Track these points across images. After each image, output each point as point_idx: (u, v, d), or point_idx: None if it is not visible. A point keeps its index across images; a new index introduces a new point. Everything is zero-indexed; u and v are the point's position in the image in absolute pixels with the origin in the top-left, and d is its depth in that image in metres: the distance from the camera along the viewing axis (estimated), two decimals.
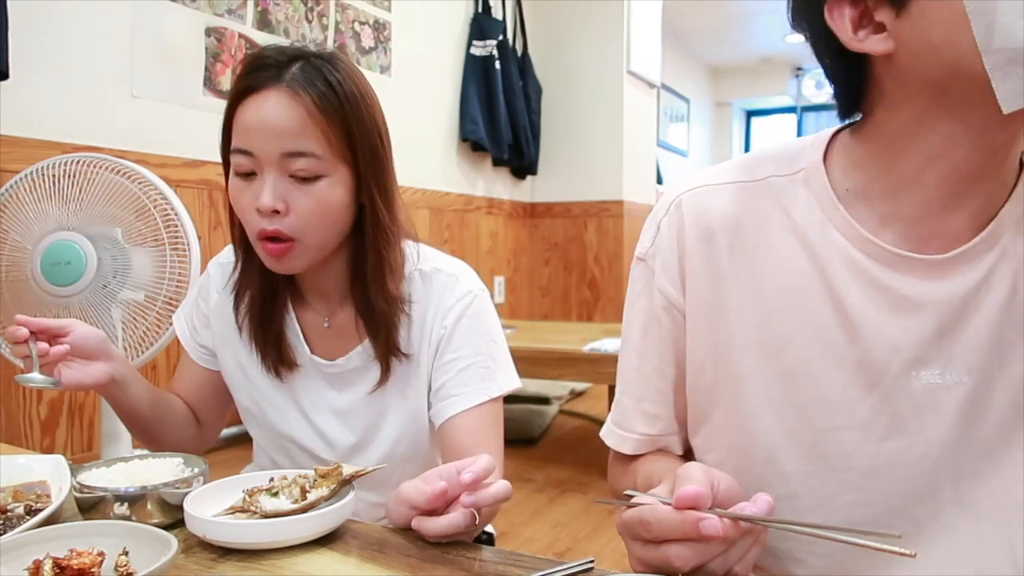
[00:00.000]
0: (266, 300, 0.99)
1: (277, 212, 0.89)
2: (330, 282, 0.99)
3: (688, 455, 0.80)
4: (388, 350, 0.97)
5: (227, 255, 1.06)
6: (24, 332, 0.87)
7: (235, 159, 0.91)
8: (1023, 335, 0.65)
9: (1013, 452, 0.66)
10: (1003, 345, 0.65)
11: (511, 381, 0.99)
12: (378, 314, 0.96)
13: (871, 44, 0.61)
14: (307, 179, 0.89)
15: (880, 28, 0.60)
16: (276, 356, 1.00)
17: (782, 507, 0.70)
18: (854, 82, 0.66)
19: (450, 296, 0.98)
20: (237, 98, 0.92)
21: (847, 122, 0.70)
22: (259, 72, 0.90)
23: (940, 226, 0.65)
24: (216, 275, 1.07)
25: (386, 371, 0.97)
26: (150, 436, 1.03)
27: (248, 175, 0.91)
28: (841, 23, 0.62)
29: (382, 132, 0.95)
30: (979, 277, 0.64)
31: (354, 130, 0.91)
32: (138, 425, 1.01)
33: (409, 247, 1.00)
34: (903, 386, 0.66)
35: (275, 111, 0.88)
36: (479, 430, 0.95)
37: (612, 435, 0.81)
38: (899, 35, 0.60)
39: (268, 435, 1.04)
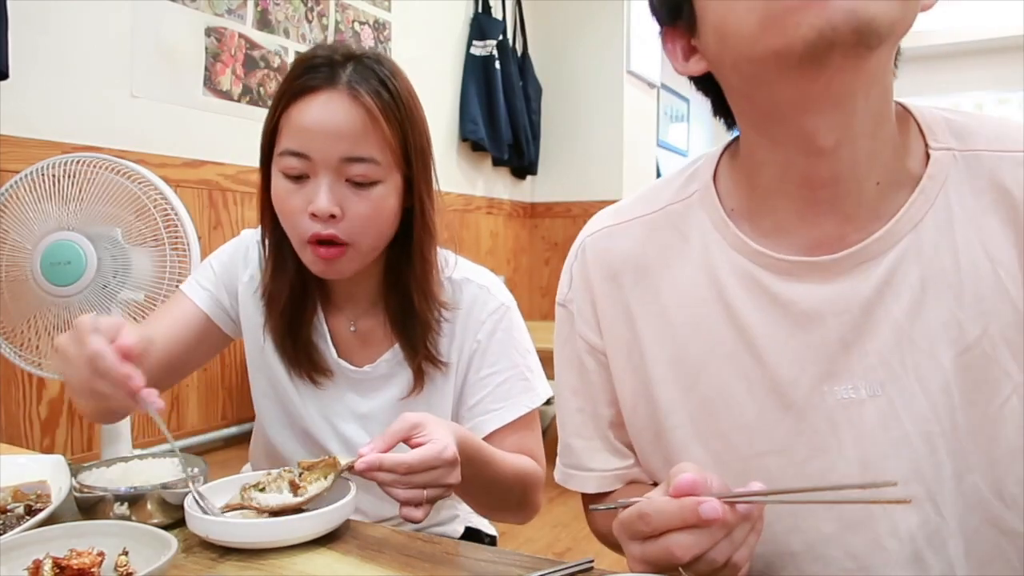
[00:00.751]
0: (297, 306, 0.98)
1: (333, 217, 0.87)
2: (363, 287, 0.98)
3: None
4: (425, 356, 0.96)
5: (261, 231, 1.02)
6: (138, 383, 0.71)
7: (286, 161, 0.88)
8: (937, 341, 0.61)
9: (945, 473, 0.61)
10: (915, 353, 0.61)
11: (547, 389, 1.00)
12: (419, 319, 0.95)
13: (691, 67, 0.65)
14: (363, 185, 0.88)
15: (696, 51, 0.64)
16: (308, 363, 0.98)
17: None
18: (719, 101, 0.68)
19: (482, 310, 0.98)
20: (290, 99, 0.89)
21: (734, 138, 0.71)
22: (313, 73, 0.88)
23: (823, 232, 0.63)
24: (253, 253, 1.03)
25: (420, 378, 0.97)
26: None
27: (298, 178, 0.88)
28: (674, 53, 0.66)
29: (428, 134, 0.96)
30: (879, 280, 0.61)
31: (409, 134, 0.91)
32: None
33: (441, 253, 0.99)
34: (816, 404, 0.63)
35: (337, 114, 0.86)
36: (523, 441, 0.97)
37: (571, 479, 0.79)
38: (704, 52, 0.63)
39: (282, 420, 1.03)
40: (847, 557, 0.64)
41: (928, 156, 0.63)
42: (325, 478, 0.75)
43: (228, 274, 1.03)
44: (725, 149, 0.72)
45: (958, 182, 0.62)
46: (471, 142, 3.55)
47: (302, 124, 0.87)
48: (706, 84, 0.68)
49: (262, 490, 0.74)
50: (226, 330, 1.04)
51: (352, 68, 0.88)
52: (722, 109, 0.69)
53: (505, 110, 3.64)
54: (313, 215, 0.87)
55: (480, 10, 3.61)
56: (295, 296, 0.97)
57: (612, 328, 0.74)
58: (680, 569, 0.54)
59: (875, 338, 0.62)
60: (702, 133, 7.68)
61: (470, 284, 0.99)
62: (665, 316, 0.70)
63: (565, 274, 0.80)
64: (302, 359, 0.98)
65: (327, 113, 0.86)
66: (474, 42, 3.57)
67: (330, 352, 0.99)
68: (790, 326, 0.64)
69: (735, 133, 0.70)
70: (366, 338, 0.99)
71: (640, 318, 0.72)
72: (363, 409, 0.99)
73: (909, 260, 0.61)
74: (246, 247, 1.04)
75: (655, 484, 0.80)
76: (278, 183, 0.91)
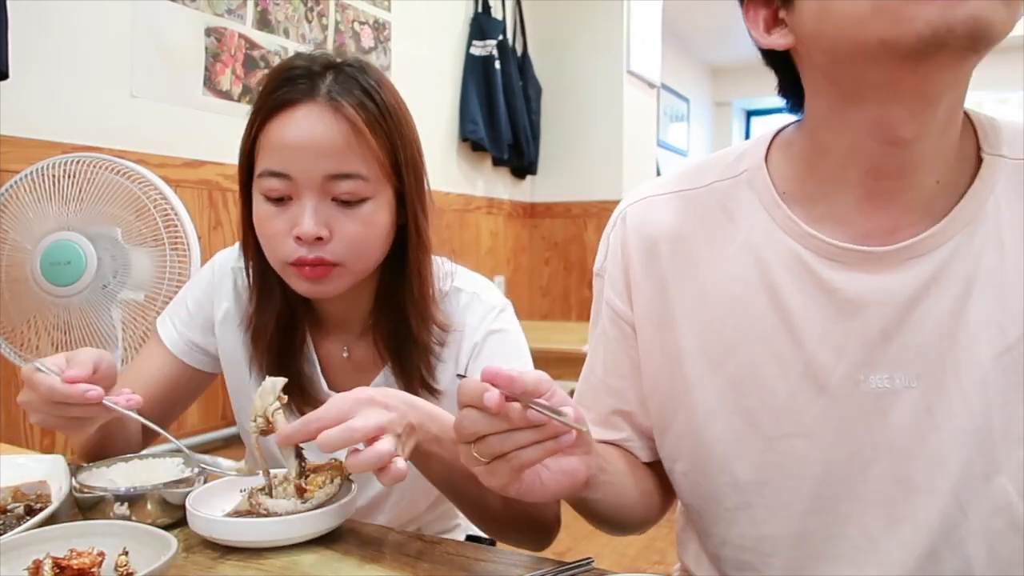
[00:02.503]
0: (285, 335, 0.92)
1: (320, 239, 0.81)
2: (355, 310, 0.93)
3: (658, 465, 0.79)
4: (420, 383, 0.89)
5: (238, 257, 0.97)
6: (97, 393, 0.73)
7: (266, 183, 0.82)
8: (978, 340, 0.61)
9: (978, 471, 0.62)
10: (955, 349, 0.62)
11: None
12: (416, 343, 0.88)
13: (773, 40, 0.64)
14: (351, 203, 0.83)
15: (783, 23, 0.63)
16: (297, 397, 0.91)
17: (738, 516, 0.70)
18: (787, 80, 0.68)
19: (473, 316, 0.93)
20: (267, 115, 0.82)
21: (788, 123, 0.71)
22: (290, 85, 0.82)
23: (877, 224, 0.64)
24: (227, 282, 0.97)
25: None
26: (98, 447, 0.91)
27: (280, 199, 0.83)
28: (755, 22, 0.65)
29: (419, 143, 0.90)
30: (926, 276, 0.62)
31: (398, 146, 0.85)
32: (94, 437, 0.89)
33: (436, 263, 0.94)
34: (850, 391, 0.64)
35: (317, 128, 0.80)
36: None
37: None
38: (794, 27, 0.62)
39: (271, 460, 0.99)
40: (863, 536, 0.65)
41: (980, 160, 0.64)
42: (331, 481, 0.74)
43: (203, 311, 0.98)
44: (777, 133, 0.72)
45: (1008, 188, 0.63)
46: (471, 142, 3.55)
47: (281, 142, 0.81)
48: (777, 61, 0.68)
49: (268, 493, 0.74)
50: (207, 369, 1.00)
51: (332, 78, 0.82)
52: (790, 88, 0.68)
53: (505, 110, 3.63)
54: (298, 238, 0.81)
55: (480, 10, 3.61)
56: (282, 326, 0.91)
57: (645, 299, 0.73)
58: (472, 447, 0.59)
59: (916, 332, 0.63)
60: (702, 133, 7.67)
61: (461, 294, 0.94)
62: (702, 291, 0.70)
63: (603, 243, 0.80)
64: (292, 392, 0.90)
65: (307, 128, 0.80)
66: (474, 42, 3.56)
67: (319, 381, 0.94)
68: (833, 312, 0.64)
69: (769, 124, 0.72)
70: (360, 364, 0.94)
71: (675, 290, 0.72)
72: None
73: (957, 259, 0.62)
74: (220, 278, 0.98)
75: (650, 464, 0.80)
76: (259, 206, 0.85)
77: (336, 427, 0.67)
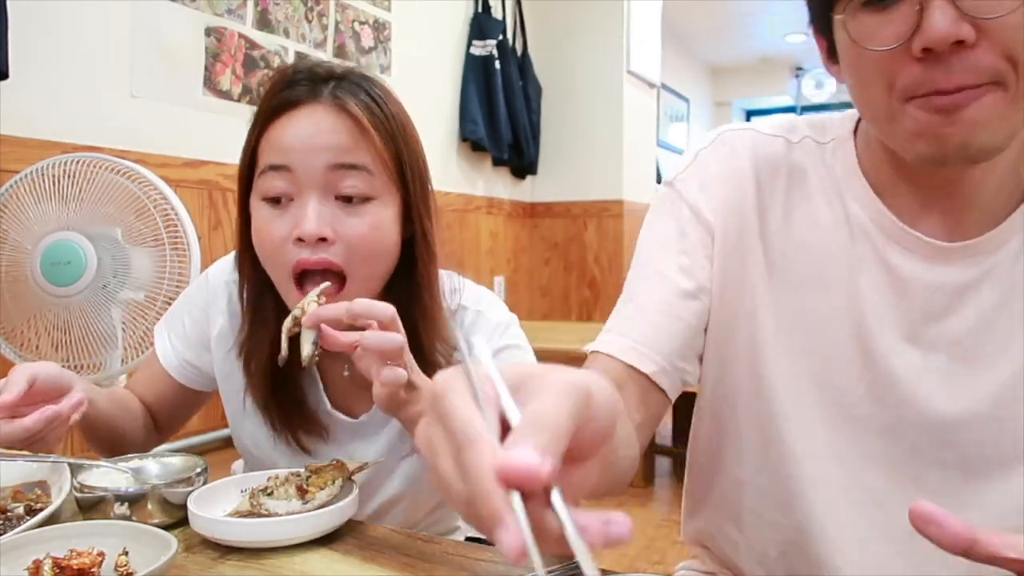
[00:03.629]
0: (282, 369, 0.83)
1: (324, 240, 0.76)
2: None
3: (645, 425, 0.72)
4: None
5: (232, 270, 0.92)
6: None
7: (267, 180, 0.78)
8: (1015, 336, 0.65)
9: (989, 452, 0.66)
10: (992, 342, 0.66)
11: None
12: (427, 362, 0.82)
13: (835, 72, 0.68)
14: (356, 200, 0.78)
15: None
16: (298, 424, 0.87)
17: (780, 451, 0.72)
18: None
19: (478, 336, 0.85)
20: (268, 117, 0.79)
21: None
22: (292, 88, 0.79)
23: (939, 221, 0.67)
24: (222, 297, 0.93)
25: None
26: (105, 444, 0.91)
27: (280, 201, 0.78)
28: (820, 48, 0.70)
29: (424, 156, 0.87)
30: (979, 273, 0.66)
31: (404, 153, 0.81)
32: (96, 435, 0.90)
33: (442, 277, 0.89)
34: (887, 360, 0.68)
35: (320, 124, 0.77)
36: None
37: (597, 343, 0.73)
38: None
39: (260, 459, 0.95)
40: (866, 491, 0.70)
41: None
42: (333, 483, 0.74)
43: (198, 328, 0.94)
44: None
45: None
46: (471, 142, 3.55)
47: (282, 139, 0.78)
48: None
49: (270, 494, 0.74)
50: (203, 389, 0.97)
51: (335, 84, 0.80)
52: None
53: (505, 110, 3.64)
54: (300, 240, 0.76)
55: (480, 10, 3.61)
56: (277, 349, 0.83)
57: (734, 215, 0.74)
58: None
59: (959, 320, 0.66)
60: (702, 133, 7.67)
61: (466, 313, 0.91)
62: (784, 225, 0.72)
63: (686, 158, 0.78)
64: (292, 419, 0.87)
65: (310, 124, 0.77)
66: (474, 42, 3.57)
67: (323, 403, 0.89)
68: (885, 285, 0.68)
69: None
70: (363, 382, 0.83)
71: (758, 217, 0.73)
72: (359, 458, 0.89)
73: (1009, 261, 0.66)
74: (213, 293, 0.93)
75: (657, 394, 0.72)
76: (259, 212, 0.80)
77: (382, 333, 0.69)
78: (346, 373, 0.86)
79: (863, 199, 0.70)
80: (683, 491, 0.87)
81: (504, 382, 0.36)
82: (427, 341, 0.84)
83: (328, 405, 0.90)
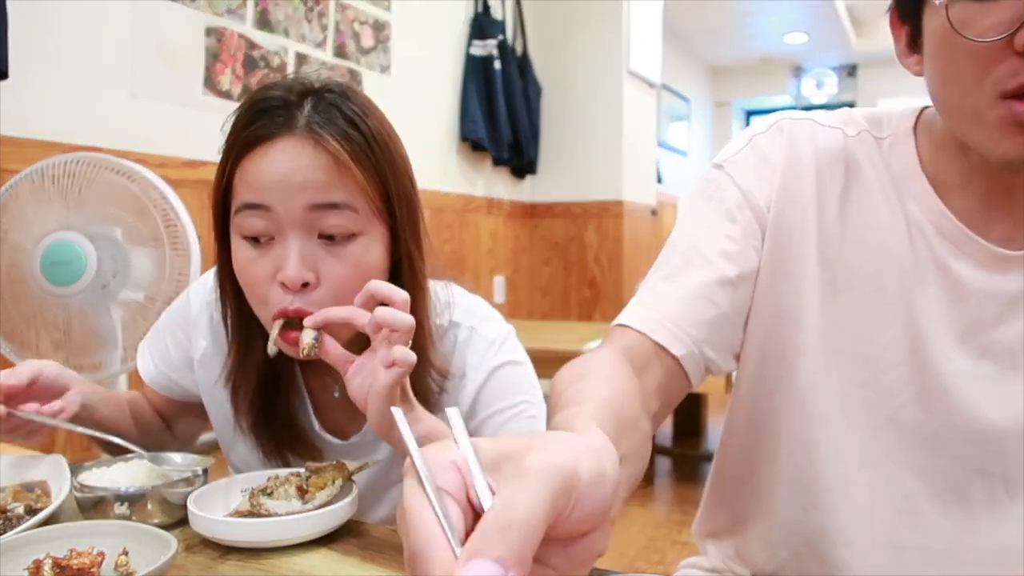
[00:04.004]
0: (271, 388, 0.84)
1: (306, 284, 0.73)
2: (350, 350, 0.81)
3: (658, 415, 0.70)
4: None
5: (211, 289, 0.88)
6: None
7: (245, 220, 0.74)
8: None
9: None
10: None
11: None
12: (417, 391, 0.78)
13: (909, 64, 0.66)
14: (339, 239, 0.74)
15: (920, 50, 0.65)
16: (289, 445, 0.86)
17: (809, 453, 0.72)
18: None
19: (473, 355, 0.86)
20: (240, 151, 0.75)
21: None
22: (265, 118, 0.74)
23: (1000, 227, 0.67)
24: (203, 318, 0.90)
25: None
26: (102, 444, 0.89)
27: (260, 240, 0.75)
28: (898, 35, 0.67)
29: (411, 173, 0.81)
30: None
31: (388, 177, 0.77)
32: (94, 436, 0.87)
33: (432, 290, 0.85)
34: (936, 363, 0.67)
35: (297, 161, 0.72)
36: None
37: (625, 315, 0.69)
38: (924, 68, 0.65)
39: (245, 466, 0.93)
40: (901, 496, 0.70)
41: None
42: (333, 483, 0.74)
43: (182, 348, 0.93)
44: (923, 110, 0.72)
45: None
46: (471, 142, 3.55)
47: (258, 177, 0.73)
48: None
49: (270, 495, 0.74)
50: (193, 401, 0.95)
51: (312, 107, 0.75)
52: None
53: (505, 110, 3.64)
54: (283, 284, 0.73)
55: (480, 10, 3.61)
56: (267, 382, 0.84)
57: (790, 203, 0.71)
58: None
59: (1007, 328, 0.66)
60: (702, 133, 7.68)
61: (459, 329, 0.87)
62: (841, 219, 0.71)
63: (739, 141, 0.75)
64: (283, 442, 0.85)
65: (285, 161, 0.73)
66: (474, 42, 3.57)
67: (313, 425, 0.88)
68: (940, 288, 0.67)
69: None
70: (353, 404, 0.79)
71: (816, 209, 0.71)
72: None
73: None
74: (196, 315, 0.91)
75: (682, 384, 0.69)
76: (239, 249, 0.76)
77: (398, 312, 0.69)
78: (336, 395, 0.85)
79: (923, 200, 0.68)
80: (707, 485, 0.86)
81: (481, 460, 0.33)
82: (419, 374, 0.80)
83: (318, 427, 0.88)
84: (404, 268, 0.80)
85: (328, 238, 0.74)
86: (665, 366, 0.66)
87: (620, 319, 0.69)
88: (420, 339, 0.79)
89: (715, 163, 0.75)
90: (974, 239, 0.66)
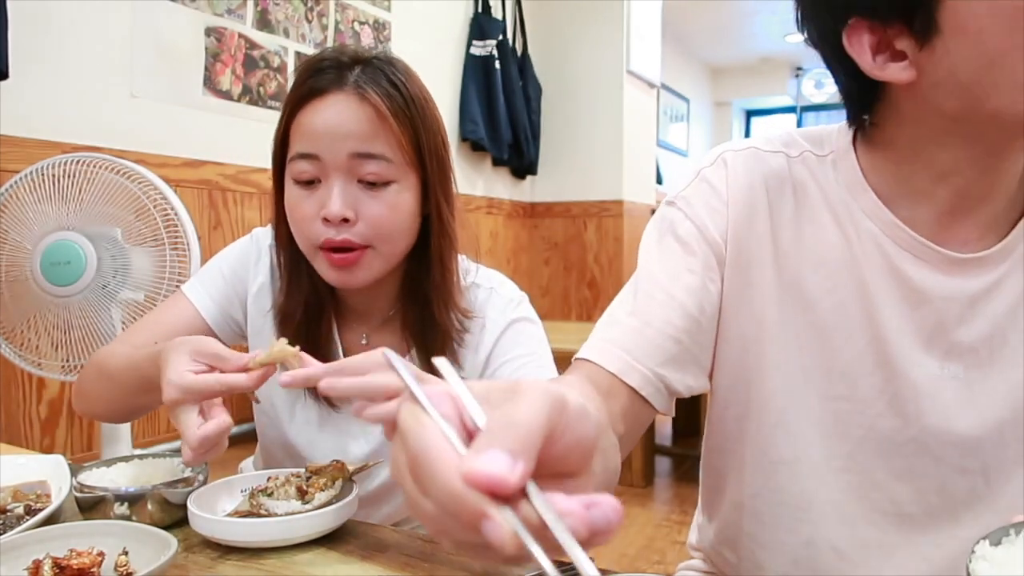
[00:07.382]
0: (312, 323, 0.94)
1: (346, 220, 0.85)
2: (379, 299, 0.96)
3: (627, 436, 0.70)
4: None
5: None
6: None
7: (297, 166, 0.87)
8: None
9: (1010, 455, 0.68)
10: (1005, 347, 0.67)
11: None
12: (440, 329, 0.92)
13: (892, 72, 0.61)
14: (376, 184, 0.86)
15: (901, 56, 0.60)
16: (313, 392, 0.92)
17: (780, 469, 0.73)
18: (868, 100, 0.67)
19: (493, 309, 0.96)
20: (297, 104, 0.87)
21: (863, 118, 0.70)
22: (319, 76, 0.87)
23: (954, 232, 0.67)
24: (265, 257, 0.99)
25: None
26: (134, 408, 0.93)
27: (310, 183, 0.87)
28: (860, 49, 0.61)
29: (445, 138, 0.93)
30: (990, 282, 0.67)
31: (422, 135, 0.88)
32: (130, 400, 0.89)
33: (461, 260, 0.97)
34: (905, 370, 0.68)
35: (344, 113, 0.85)
36: None
37: (583, 350, 0.70)
38: (921, 65, 0.60)
39: (278, 441, 0.99)
40: (889, 501, 0.71)
41: None
42: (333, 483, 0.74)
43: (240, 282, 0.99)
44: (856, 128, 0.71)
45: None
46: (471, 142, 3.55)
47: (311, 127, 0.86)
48: (870, 82, 0.64)
49: (270, 495, 0.74)
50: (230, 343, 0.98)
51: (360, 70, 0.87)
52: (857, 97, 0.67)
53: (505, 110, 3.64)
54: (326, 220, 0.85)
55: (480, 10, 3.61)
56: (309, 313, 0.94)
57: (741, 234, 0.71)
58: None
59: (971, 328, 0.67)
60: (702, 133, 7.68)
61: (479, 290, 0.98)
62: (791, 244, 0.71)
63: (689, 176, 0.76)
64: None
65: (334, 114, 0.85)
66: (474, 42, 3.57)
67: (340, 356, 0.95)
68: (900, 298, 0.68)
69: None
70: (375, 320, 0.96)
71: (767, 236, 0.72)
72: (374, 428, 0.96)
73: (1017, 270, 0.67)
74: (258, 251, 1.00)
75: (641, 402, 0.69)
76: (290, 191, 0.89)
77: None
78: (364, 342, 0.96)
79: (873, 212, 0.69)
80: (698, 502, 0.88)
81: (472, 395, 0.34)
82: (439, 311, 0.92)
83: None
84: (433, 218, 0.92)
85: (367, 184, 0.86)
86: (627, 393, 0.67)
87: (581, 353, 0.70)
88: (447, 282, 0.92)
89: (667, 200, 0.76)
90: (929, 246, 0.67)
